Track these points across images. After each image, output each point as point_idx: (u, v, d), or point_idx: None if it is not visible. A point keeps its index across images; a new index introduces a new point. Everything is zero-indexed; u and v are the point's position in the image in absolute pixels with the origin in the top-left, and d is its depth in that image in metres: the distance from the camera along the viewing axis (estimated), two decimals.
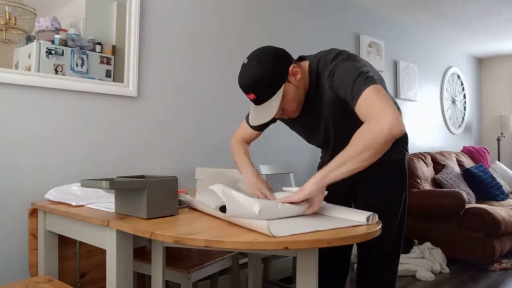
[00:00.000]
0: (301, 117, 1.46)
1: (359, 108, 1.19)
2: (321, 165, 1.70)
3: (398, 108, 1.35)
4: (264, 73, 1.27)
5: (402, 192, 1.52)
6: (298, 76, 1.33)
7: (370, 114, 1.15)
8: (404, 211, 1.57)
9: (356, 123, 1.21)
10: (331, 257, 1.68)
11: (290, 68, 1.31)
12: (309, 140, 1.60)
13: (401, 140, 1.51)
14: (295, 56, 1.42)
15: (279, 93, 1.29)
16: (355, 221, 1.18)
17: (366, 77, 1.21)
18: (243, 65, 1.32)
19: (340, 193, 1.54)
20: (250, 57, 1.32)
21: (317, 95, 1.39)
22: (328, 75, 1.32)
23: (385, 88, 1.29)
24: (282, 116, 1.41)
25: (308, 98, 1.40)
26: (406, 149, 1.54)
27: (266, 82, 1.28)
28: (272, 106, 1.29)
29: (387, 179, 1.49)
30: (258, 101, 1.31)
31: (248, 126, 1.71)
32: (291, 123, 1.58)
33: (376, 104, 1.16)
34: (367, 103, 1.17)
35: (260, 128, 1.67)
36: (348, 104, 1.26)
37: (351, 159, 1.14)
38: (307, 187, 1.19)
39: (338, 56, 1.33)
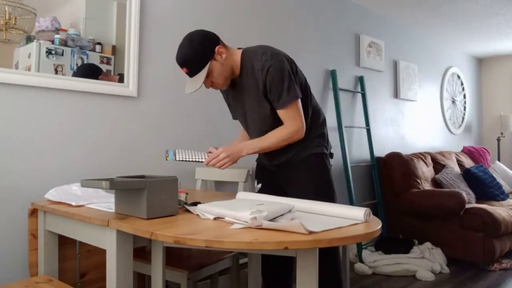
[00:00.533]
0: (232, 92, 1.79)
1: (282, 114, 1.67)
2: (257, 164, 2.03)
3: (319, 115, 1.84)
4: (193, 50, 1.59)
5: (328, 181, 1.79)
6: (224, 56, 1.63)
7: (288, 122, 1.67)
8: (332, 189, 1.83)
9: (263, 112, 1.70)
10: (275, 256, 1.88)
11: (216, 48, 1.62)
12: (234, 115, 1.94)
13: (318, 139, 1.81)
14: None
15: (206, 68, 1.60)
16: (353, 219, 1.21)
17: (291, 91, 1.63)
18: (179, 45, 1.63)
19: (275, 175, 1.86)
20: (184, 38, 1.64)
21: (243, 76, 1.70)
22: (262, 69, 1.61)
23: (307, 93, 1.76)
24: (213, 87, 1.72)
25: (240, 78, 1.71)
26: (324, 145, 1.82)
27: (195, 59, 1.59)
28: (199, 78, 1.60)
29: (312, 170, 1.77)
30: (190, 74, 1.62)
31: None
32: (230, 102, 1.89)
33: (294, 118, 1.67)
34: (288, 114, 1.67)
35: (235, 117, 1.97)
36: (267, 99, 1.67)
37: (268, 148, 1.71)
38: (239, 155, 1.67)
39: (273, 57, 1.63)
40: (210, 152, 1.69)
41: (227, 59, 1.65)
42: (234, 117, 1.98)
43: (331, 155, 1.87)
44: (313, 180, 1.76)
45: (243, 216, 1.15)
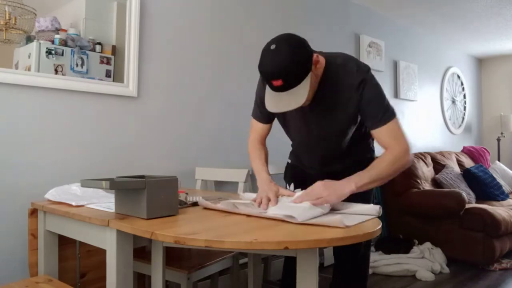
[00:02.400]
0: (305, 110, 1.50)
1: (382, 133, 1.42)
2: (293, 167, 1.83)
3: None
4: (296, 59, 1.27)
5: (370, 191, 1.65)
6: (318, 66, 1.37)
7: (394, 144, 1.41)
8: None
9: (344, 139, 1.52)
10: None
11: (314, 57, 1.34)
12: (295, 133, 1.64)
13: (371, 143, 1.70)
14: None
15: (307, 79, 1.30)
16: (368, 215, 1.28)
17: (391, 108, 1.43)
18: (271, 51, 1.29)
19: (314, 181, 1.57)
20: (277, 43, 1.30)
21: (326, 91, 1.44)
22: (358, 84, 1.40)
23: None
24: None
25: (319, 90, 1.44)
26: (373, 146, 1.71)
27: (297, 68, 1.28)
28: (300, 93, 1.29)
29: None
30: (285, 87, 1.29)
31: (257, 123, 1.72)
32: (289, 114, 1.59)
33: (399, 136, 1.42)
34: (392, 132, 1.42)
35: (269, 119, 1.68)
36: (356, 120, 1.47)
37: (379, 179, 1.40)
38: (343, 192, 1.33)
39: (364, 69, 1.43)
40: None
41: (319, 70, 1.40)
42: (264, 121, 1.68)
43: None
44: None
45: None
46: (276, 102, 1.32)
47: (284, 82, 1.28)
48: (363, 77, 1.40)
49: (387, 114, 1.42)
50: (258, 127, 1.71)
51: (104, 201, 1.61)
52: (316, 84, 1.41)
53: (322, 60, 1.42)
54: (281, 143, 2.09)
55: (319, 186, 1.34)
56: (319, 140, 1.58)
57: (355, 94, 1.41)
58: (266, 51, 1.31)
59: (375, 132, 1.44)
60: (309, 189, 1.36)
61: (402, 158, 1.40)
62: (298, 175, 1.77)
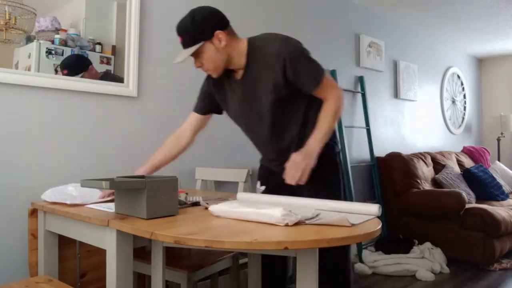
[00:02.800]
0: (235, 88, 1.65)
1: (320, 91, 1.57)
2: (261, 167, 1.91)
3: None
4: (189, 25, 1.52)
5: (339, 182, 1.71)
6: (223, 43, 1.53)
7: (331, 95, 1.58)
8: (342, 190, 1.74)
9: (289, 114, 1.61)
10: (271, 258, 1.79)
11: (217, 32, 1.52)
12: (239, 121, 1.77)
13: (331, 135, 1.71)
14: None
15: (196, 46, 1.52)
16: (368, 214, 1.29)
17: (317, 66, 1.56)
18: (188, 13, 1.58)
19: (283, 181, 1.59)
20: (191, 10, 1.58)
21: (252, 67, 1.58)
22: (278, 55, 1.50)
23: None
24: (202, 69, 1.61)
25: (247, 69, 1.59)
26: (335, 142, 1.75)
27: (190, 32, 1.52)
28: (186, 53, 1.53)
29: (325, 173, 1.65)
30: (183, 45, 1.55)
31: (192, 114, 1.87)
32: (229, 101, 1.72)
33: (333, 86, 1.60)
34: (326, 88, 1.57)
35: (204, 109, 1.83)
36: (291, 88, 1.56)
37: (330, 128, 1.55)
38: (310, 155, 1.47)
39: (282, 37, 1.55)
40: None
41: (226, 48, 1.55)
42: (200, 111, 1.82)
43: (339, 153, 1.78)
44: (325, 182, 1.66)
45: (275, 214, 1.16)
46: (179, 56, 1.56)
47: (182, 39, 1.54)
48: (286, 48, 1.51)
49: (318, 77, 1.55)
50: (190, 117, 1.86)
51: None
52: (220, 59, 1.56)
53: (242, 41, 1.59)
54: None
55: (296, 158, 1.46)
56: (260, 124, 1.65)
57: (277, 61, 1.51)
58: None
59: (313, 93, 1.58)
60: (290, 163, 1.46)
61: (340, 103, 1.59)
62: (264, 174, 1.86)
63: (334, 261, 1.66)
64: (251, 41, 1.60)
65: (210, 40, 1.53)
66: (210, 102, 1.80)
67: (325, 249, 1.59)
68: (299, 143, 1.60)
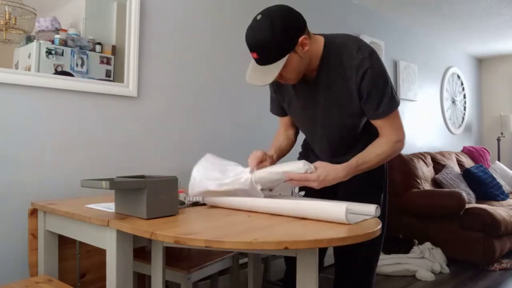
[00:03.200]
0: (302, 91, 1.49)
1: (382, 124, 1.41)
2: (301, 155, 1.78)
3: None
4: (271, 38, 1.25)
5: (381, 190, 1.58)
6: (306, 48, 1.33)
7: (391, 133, 1.42)
8: (384, 213, 1.58)
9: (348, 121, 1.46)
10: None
11: (301, 39, 1.30)
12: (300, 121, 1.62)
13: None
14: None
15: (282, 61, 1.28)
16: (366, 214, 1.27)
17: (392, 97, 1.39)
18: (255, 21, 1.29)
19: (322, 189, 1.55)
20: (263, 14, 1.29)
21: (325, 72, 1.41)
22: (358, 68, 1.34)
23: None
24: (279, 80, 1.39)
25: (319, 73, 1.42)
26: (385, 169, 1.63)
27: (272, 47, 1.26)
28: (271, 72, 1.29)
29: (367, 177, 1.50)
30: (260, 62, 1.31)
31: (279, 117, 1.74)
32: (292, 100, 1.57)
33: (397, 127, 1.43)
34: (391, 124, 1.41)
35: (282, 110, 1.69)
36: (356, 105, 1.41)
37: (371, 164, 1.41)
38: (335, 176, 1.35)
39: (366, 49, 1.36)
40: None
41: (307, 51, 1.34)
42: (278, 113, 1.68)
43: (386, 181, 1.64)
44: (364, 193, 1.51)
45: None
46: (251, 74, 1.34)
47: (258, 56, 1.29)
48: (369, 63, 1.33)
49: (388, 106, 1.38)
50: (281, 120, 1.74)
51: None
52: (303, 65, 1.36)
53: (319, 41, 1.40)
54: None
55: (317, 170, 1.33)
56: (323, 127, 1.52)
57: (354, 75, 1.35)
58: (253, 20, 1.32)
59: (374, 122, 1.44)
60: (321, 173, 1.33)
61: (396, 147, 1.43)
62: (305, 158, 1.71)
63: (357, 270, 1.59)
64: (328, 43, 1.41)
65: (294, 49, 1.30)
66: (280, 105, 1.67)
67: (352, 253, 1.55)
68: (354, 152, 1.47)
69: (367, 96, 1.37)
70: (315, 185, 1.33)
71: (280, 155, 1.64)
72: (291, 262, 1.69)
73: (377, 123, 1.42)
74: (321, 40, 1.41)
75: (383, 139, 1.42)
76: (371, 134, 1.48)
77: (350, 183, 1.43)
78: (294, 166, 1.33)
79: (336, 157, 1.56)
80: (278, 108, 1.69)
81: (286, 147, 1.69)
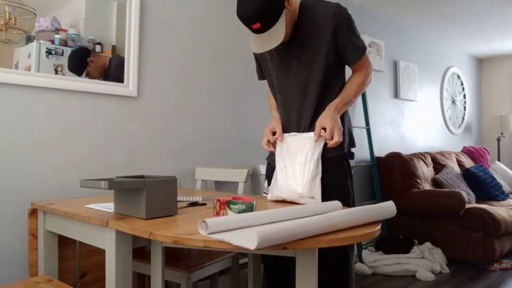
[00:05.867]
0: (280, 48, 1.59)
1: (359, 64, 1.60)
2: (268, 165, 1.82)
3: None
4: (268, 1, 1.35)
5: (347, 186, 1.70)
6: (291, 1, 1.46)
7: (364, 70, 1.62)
8: (353, 201, 1.73)
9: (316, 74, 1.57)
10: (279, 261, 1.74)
11: None
12: (277, 81, 1.68)
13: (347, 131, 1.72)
14: None
15: (282, 17, 1.39)
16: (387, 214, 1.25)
17: (362, 43, 1.58)
18: None
19: None
20: None
21: (303, 27, 1.54)
22: (332, 16, 1.49)
23: None
24: None
25: (295, 30, 1.55)
26: (345, 140, 1.71)
27: (271, 9, 1.36)
28: (278, 31, 1.38)
29: (333, 172, 1.64)
30: (263, 29, 1.39)
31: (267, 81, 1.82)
32: (271, 60, 1.66)
33: (367, 65, 1.64)
34: (363, 63, 1.62)
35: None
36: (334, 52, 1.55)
37: (351, 99, 1.61)
38: (333, 120, 1.52)
39: (336, 4, 1.53)
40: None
41: (292, 5, 1.48)
42: (261, 77, 1.81)
43: (352, 154, 1.74)
44: (335, 185, 1.63)
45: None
46: (259, 43, 1.43)
47: (262, 24, 1.37)
48: (339, 10, 1.49)
49: (363, 50, 1.58)
50: (270, 93, 1.83)
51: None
52: (292, 19, 1.50)
53: (295, 0, 1.53)
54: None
55: (324, 123, 1.52)
56: (298, 76, 1.60)
57: (330, 22, 1.49)
58: None
59: (352, 63, 1.60)
60: (329, 129, 1.51)
61: (368, 79, 1.63)
62: (272, 173, 1.77)
63: (335, 260, 1.64)
64: (303, 2, 1.56)
65: (285, 6, 1.43)
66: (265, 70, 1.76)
67: (325, 248, 1.58)
68: (316, 115, 1.61)
69: (341, 39, 1.52)
70: (337, 135, 1.51)
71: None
72: (274, 266, 1.71)
73: (355, 65, 1.61)
74: (297, 1, 1.56)
75: (358, 73, 1.62)
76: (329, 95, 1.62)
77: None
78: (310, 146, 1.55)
79: (301, 119, 1.64)
80: (261, 70, 1.80)
81: None
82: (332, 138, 1.52)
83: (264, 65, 1.72)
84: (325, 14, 1.49)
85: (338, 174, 1.65)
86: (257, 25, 1.37)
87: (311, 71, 1.57)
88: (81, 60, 2.06)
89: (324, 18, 1.50)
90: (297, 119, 1.64)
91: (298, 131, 1.64)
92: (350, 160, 1.71)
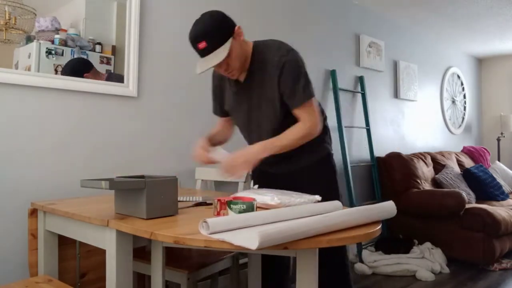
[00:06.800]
0: (235, 86, 1.66)
1: (299, 112, 1.57)
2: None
3: (322, 111, 1.73)
4: (215, 23, 1.47)
5: (334, 182, 1.74)
6: (242, 38, 1.54)
7: (305, 117, 1.57)
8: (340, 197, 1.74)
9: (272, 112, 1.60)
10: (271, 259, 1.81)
11: (236, 27, 1.52)
12: (240, 124, 1.77)
13: (325, 137, 1.76)
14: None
15: (227, 43, 1.47)
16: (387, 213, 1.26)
17: (306, 88, 1.56)
18: (196, 21, 1.50)
19: (278, 182, 1.72)
20: (202, 15, 1.51)
21: (255, 71, 1.60)
22: (278, 64, 1.53)
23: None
24: (226, 73, 1.56)
25: (249, 72, 1.61)
26: (328, 143, 1.78)
27: (217, 31, 1.47)
28: (221, 52, 1.46)
29: (319, 174, 1.71)
30: (209, 49, 1.46)
31: (219, 118, 1.89)
32: (231, 98, 1.73)
33: (311, 113, 1.58)
34: (305, 110, 1.57)
35: (223, 111, 1.83)
36: (280, 98, 1.57)
37: (284, 147, 1.56)
38: (250, 158, 1.51)
39: (285, 47, 1.57)
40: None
41: (243, 45, 1.56)
42: (219, 114, 1.86)
43: (332, 155, 1.79)
44: (319, 183, 1.68)
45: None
46: (202, 64, 1.49)
47: (207, 43, 1.45)
48: (286, 59, 1.53)
49: (303, 95, 1.55)
50: (219, 119, 1.89)
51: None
52: (243, 58, 1.55)
53: (249, 44, 1.60)
54: None
55: (235, 156, 1.52)
56: (260, 122, 1.66)
57: (274, 70, 1.53)
58: (194, 22, 1.51)
59: (293, 111, 1.58)
60: (229, 159, 1.52)
61: (312, 133, 1.59)
62: (256, 173, 1.86)
63: (331, 259, 1.66)
64: (255, 45, 1.61)
65: (233, 36, 1.50)
66: (221, 106, 1.83)
67: (323, 248, 1.61)
68: (295, 156, 1.65)
69: (284, 87, 1.54)
70: (225, 170, 1.51)
71: (212, 141, 1.77)
72: (267, 266, 1.77)
73: (295, 112, 1.58)
74: (251, 43, 1.62)
75: (300, 123, 1.58)
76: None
77: (304, 177, 1.68)
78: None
79: (275, 165, 1.71)
80: (219, 109, 1.85)
81: (218, 134, 1.86)
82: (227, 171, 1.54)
83: (226, 105, 1.78)
84: (273, 61, 1.54)
85: (326, 171, 1.75)
86: (202, 44, 1.46)
87: (264, 114, 1.63)
88: (78, 73, 2.05)
89: (271, 66, 1.55)
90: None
91: (276, 160, 1.67)
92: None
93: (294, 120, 1.60)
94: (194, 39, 1.47)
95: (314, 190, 1.56)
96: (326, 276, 1.60)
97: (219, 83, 1.77)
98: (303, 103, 1.56)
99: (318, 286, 1.57)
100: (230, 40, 1.48)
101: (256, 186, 1.76)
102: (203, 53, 1.48)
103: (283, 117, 1.62)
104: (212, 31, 1.46)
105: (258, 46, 1.60)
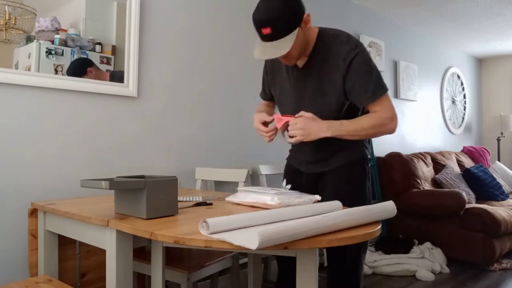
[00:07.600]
0: (293, 74, 1.57)
1: (375, 106, 1.46)
2: (287, 164, 1.81)
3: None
4: (287, 10, 1.33)
5: (365, 188, 1.62)
6: (308, 25, 1.42)
7: (381, 111, 1.46)
8: (369, 201, 1.64)
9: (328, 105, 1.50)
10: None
11: (305, 15, 1.40)
12: (287, 98, 1.65)
13: (364, 140, 1.64)
14: None
15: (294, 34, 1.35)
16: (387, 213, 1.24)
17: (380, 82, 1.46)
18: (263, 1, 1.36)
19: (308, 181, 1.67)
20: None
21: (317, 60, 1.50)
22: (345, 57, 1.43)
23: None
24: (283, 60, 1.46)
25: (310, 59, 1.51)
26: (367, 147, 1.66)
27: (287, 19, 1.34)
28: (284, 45, 1.35)
29: (352, 173, 1.60)
30: (273, 37, 1.35)
31: (263, 101, 1.83)
32: (284, 82, 1.63)
33: (390, 108, 1.47)
34: (384, 105, 1.46)
35: (271, 96, 1.76)
36: (346, 90, 1.46)
37: (357, 135, 1.46)
38: (318, 135, 1.43)
39: (354, 41, 1.48)
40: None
41: (307, 32, 1.43)
42: (265, 97, 1.79)
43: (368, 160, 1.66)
44: (351, 186, 1.58)
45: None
46: (262, 51, 1.39)
47: (272, 31, 1.34)
48: (355, 52, 1.43)
49: (378, 90, 1.45)
50: (263, 103, 1.85)
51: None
52: (304, 46, 1.45)
53: (313, 29, 1.49)
54: (281, 144, 2.09)
55: (299, 121, 1.43)
56: (308, 109, 1.54)
57: (341, 63, 1.44)
58: (261, 0, 1.38)
59: (367, 106, 1.48)
60: (294, 120, 1.44)
61: (387, 124, 1.46)
62: (290, 173, 1.78)
63: (347, 268, 1.59)
64: (321, 32, 1.50)
65: (300, 25, 1.38)
66: (267, 89, 1.77)
67: (337, 256, 1.58)
68: (336, 143, 1.53)
69: (353, 82, 1.44)
70: (299, 131, 1.42)
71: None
72: (285, 264, 1.70)
73: (369, 107, 1.48)
74: (316, 29, 1.51)
75: (374, 113, 1.47)
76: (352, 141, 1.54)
77: (336, 178, 1.58)
78: None
79: (318, 153, 1.62)
80: (267, 92, 1.78)
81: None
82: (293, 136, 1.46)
83: (275, 89, 1.69)
84: (340, 54, 1.44)
85: (359, 175, 1.62)
86: (267, 30, 1.34)
87: (316, 106, 1.52)
88: (80, 68, 2.06)
89: (338, 58, 1.45)
90: (312, 149, 1.62)
91: (314, 159, 1.63)
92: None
93: (351, 115, 1.50)
94: (259, 23, 1.35)
95: (341, 195, 1.47)
96: (339, 275, 1.59)
97: (272, 64, 1.65)
98: (379, 97, 1.45)
99: (328, 281, 1.58)
100: (297, 30, 1.37)
101: (289, 186, 1.69)
102: (265, 38, 1.37)
103: (336, 113, 1.51)
104: (281, 19, 1.33)
105: (324, 35, 1.49)
